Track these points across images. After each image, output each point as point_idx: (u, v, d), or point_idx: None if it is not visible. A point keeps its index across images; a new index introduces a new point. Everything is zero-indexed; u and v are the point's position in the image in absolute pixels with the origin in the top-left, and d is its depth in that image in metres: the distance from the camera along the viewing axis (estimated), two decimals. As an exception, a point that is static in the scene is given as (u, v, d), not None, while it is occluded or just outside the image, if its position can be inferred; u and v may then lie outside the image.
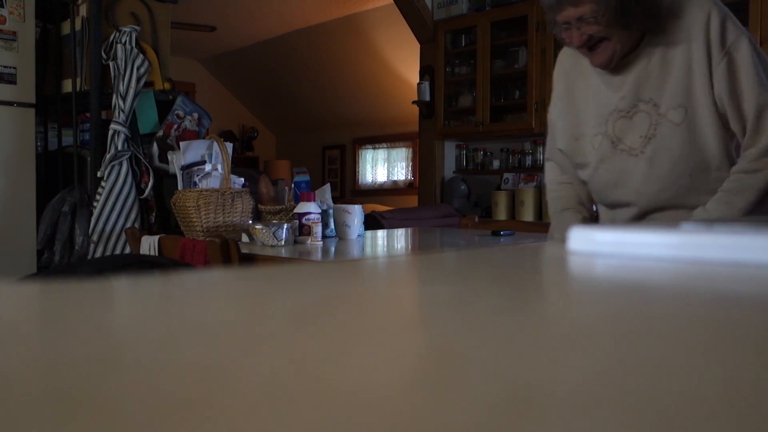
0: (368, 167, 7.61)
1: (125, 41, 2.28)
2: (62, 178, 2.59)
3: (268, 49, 7.43)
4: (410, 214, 4.40)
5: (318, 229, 2.28)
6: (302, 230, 2.29)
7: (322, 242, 2.29)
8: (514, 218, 4.36)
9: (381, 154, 7.49)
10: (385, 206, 7.10)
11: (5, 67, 2.29)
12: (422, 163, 5.07)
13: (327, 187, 2.77)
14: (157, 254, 2.07)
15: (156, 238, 2.11)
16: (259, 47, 7.47)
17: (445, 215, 4.53)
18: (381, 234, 2.69)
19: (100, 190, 2.24)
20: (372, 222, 4.12)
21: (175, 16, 6.16)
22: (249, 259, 1.91)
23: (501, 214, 4.43)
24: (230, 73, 8.27)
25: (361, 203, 7.27)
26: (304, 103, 7.80)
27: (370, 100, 7.11)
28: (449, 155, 5.02)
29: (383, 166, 7.46)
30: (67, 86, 2.47)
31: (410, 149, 7.08)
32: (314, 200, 2.34)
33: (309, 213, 2.30)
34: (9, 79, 2.30)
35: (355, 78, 7.02)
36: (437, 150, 4.95)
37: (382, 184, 7.44)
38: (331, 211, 2.56)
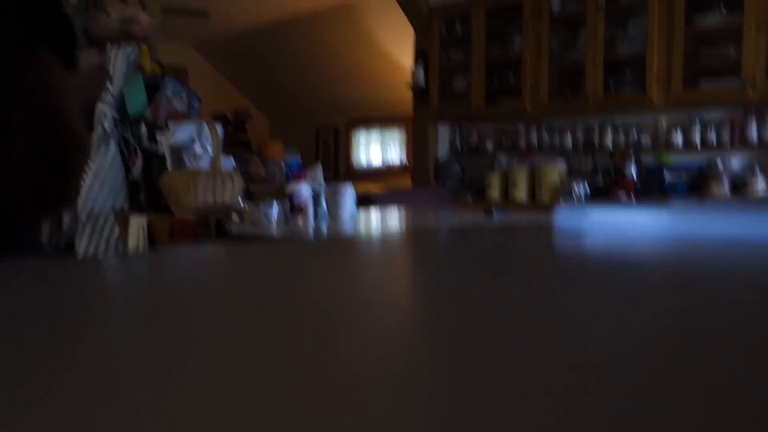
0: (362, 150, 7.59)
1: (113, 21, 2.25)
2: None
3: (261, 35, 7.38)
4: (403, 195, 4.39)
5: (310, 210, 2.27)
6: (294, 211, 2.28)
7: (314, 222, 2.28)
8: (507, 199, 4.36)
9: (375, 136, 7.46)
10: (380, 187, 7.10)
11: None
12: (416, 145, 5.06)
13: (319, 167, 2.75)
14: (146, 235, 2.06)
15: (145, 218, 2.09)
16: (252, 33, 7.41)
17: (438, 196, 4.52)
18: (373, 213, 2.68)
19: (87, 170, 2.21)
20: (364, 203, 4.11)
21: (168, 2, 6.10)
22: (240, 236, 1.90)
23: (494, 194, 4.43)
24: (223, 58, 8.22)
25: (356, 186, 7.22)
26: (297, 87, 7.76)
27: (363, 84, 7.07)
28: (443, 137, 5.00)
29: (377, 149, 7.44)
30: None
31: (404, 131, 7.06)
32: (306, 180, 2.33)
33: (301, 193, 2.29)
34: None
35: (349, 63, 6.98)
36: (431, 131, 4.93)
37: (376, 167, 7.42)
38: (323, 190, 2.55)
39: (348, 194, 2.49)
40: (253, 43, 7.56)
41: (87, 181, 2.18)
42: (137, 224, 2.07)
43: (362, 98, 7.25)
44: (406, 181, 6.77)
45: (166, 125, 2.27)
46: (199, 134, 2.27)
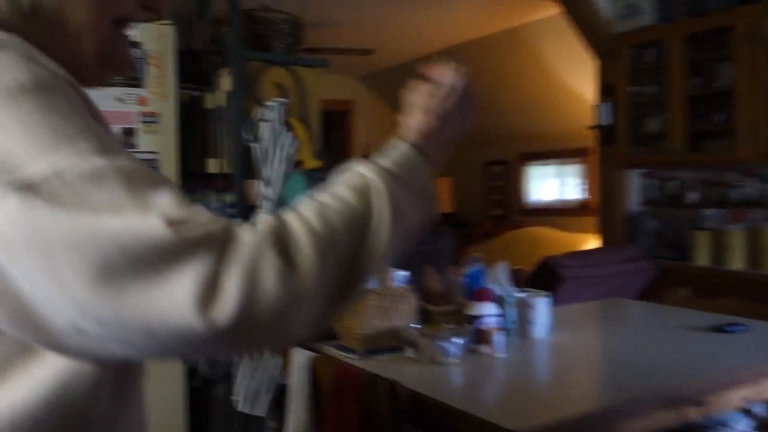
0: (535, 184, 7.06)
1: (271, 118, 2.00)
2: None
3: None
4: (592, 260, 3.86)
5: (499, 338, 1.87)
6: (478, 337, 1.90)
7: (503, 352, 1.87)
8: (719, 264, 3.68)
9: (550, 170, 6.91)
10: (553, 228, 6.52)
11: (148, 152, 2.08)
12: (603, 196, 4.49)
13: (502, 267, 2.35)
14: (311, 376, 1.76)
15: (310, 357, 1.80)
16: (418, 62, 7.15)
17: (633, 259, 3.93)
18: (571, 331, 2.19)
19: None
20: (547, 273, 3.64)
21: (330, 40, 5.98)
22: (416, 402, 1.54)
23: (701, 258, 3.77)
24: (388, 89, 8.05)
25: (527, 226, 6.68)
26: (464, 118, 7.39)
27: (536, 114, 6.55)
28: (635, 185, 4.39)
29: (552, 184, 6.87)
30: (212, 165, 2.25)
31: (583, 166, 6.44)
32: (491, 299, 1.94)
33: (486, 316, 1.90)
34: (151, 164, 2.09)
35: (520, 92, 6.50)
36: (620, 180, 4.34)
37: (550, 204, 6.85)
38: (511, 300, 2.15)
39: (542, 309, 2.07)
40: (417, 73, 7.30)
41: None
42: (301, 362, 1.78)
43: (535, 130, 6.73)
44: (585, 222, 6.17)
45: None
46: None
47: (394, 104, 8.22)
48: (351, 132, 8.08)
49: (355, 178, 0.70)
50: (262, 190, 2.00)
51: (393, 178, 0.70)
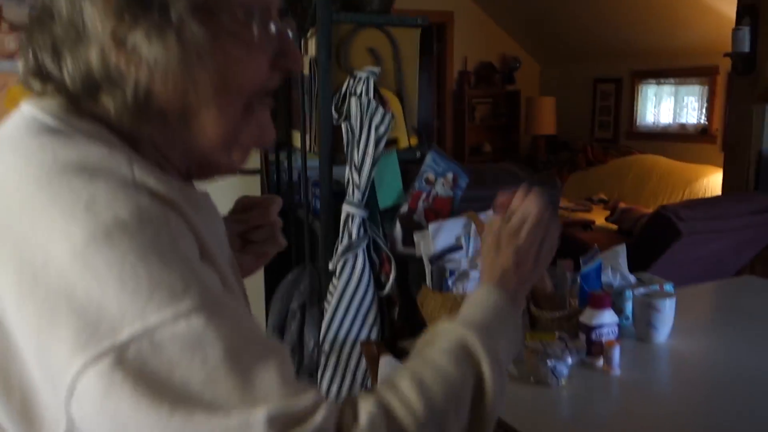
0: (649, 105, 6.47)
1: (360, 92, 1.75)
2: (294, 252, 2.22)
3: (533, -28, 6.49)
4: (715, 210, 3.46)
5: (615, 353, 1.63)
6: (591, 349, 1.67)
7: (619, 370, 1.64)
8: None
9: (667, 90, 6.29)
10: (667, 156, 5.99)
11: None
12: (732, 133, 4.01)
13: (621, 249, 2.07)
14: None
15: (397, 363, 1.64)
16: None
17: (763, 210, 3.51)
18: (697, 332, 1.90)
19: (331, 288, 1.80)
20: (663, 224, 3.29)
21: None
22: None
23: None
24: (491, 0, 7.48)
25: (638, 152, 6.16)
26: (573, 30, 6.79)
27: (656, 27, 5.90)
28: (770, 122, 3.88)
29: (669, 107, 6.27)
30: (296, 139, 2.03)
31: (705, 87, 5.82)
32: (609, 306, 1.69)
33: (602, 326, 1.67)
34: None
35: (640, 2, 5.84)
36: (755, 116, 3.84)
37: (666, 128, 6.28)
38: (629, 295, 1.89)
39: (667, 313, 1.80)
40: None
41: (331, 303, 1.78)
42: (388, 368, 1.62)
43: (653, 44, 6.08)
44: (705, 150, 5.64)
45: (426, 219, 1.76)
46: (467, 235, 1.72)
47: (496, 15, 7.67)
48: (450, 45, 7.64)
49: (452, 345, 0.65)
50: (353, 176, 1.78)
51: (488, 335, 0.66)
